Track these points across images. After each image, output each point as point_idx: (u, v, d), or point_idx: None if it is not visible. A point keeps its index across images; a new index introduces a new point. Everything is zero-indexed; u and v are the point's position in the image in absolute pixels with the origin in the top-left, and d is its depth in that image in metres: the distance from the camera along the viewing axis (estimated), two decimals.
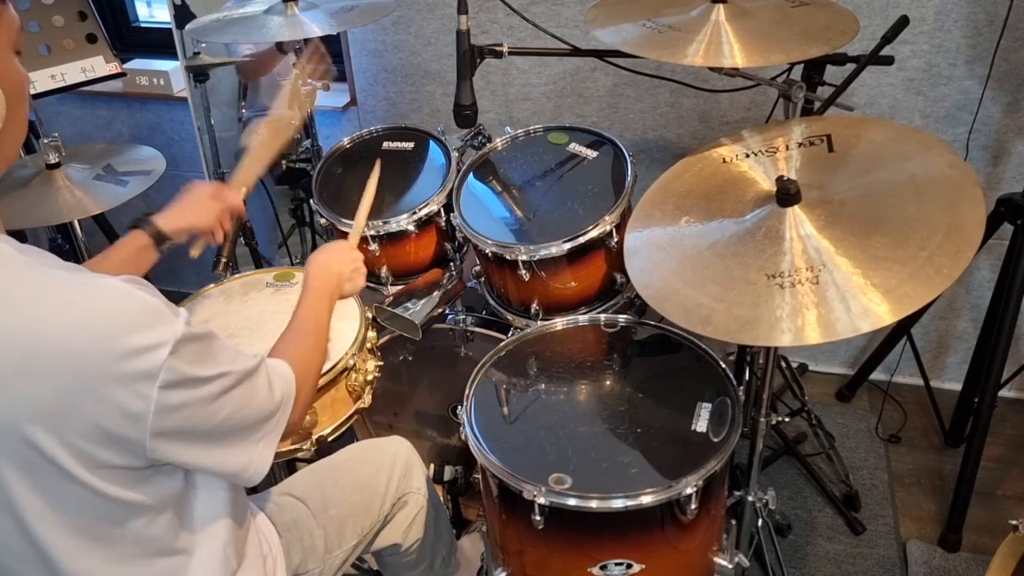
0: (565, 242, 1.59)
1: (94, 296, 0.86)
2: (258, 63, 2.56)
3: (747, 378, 1.88)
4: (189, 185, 1.49)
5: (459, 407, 1.43)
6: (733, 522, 1.58)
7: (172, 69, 2.63)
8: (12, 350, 0.82)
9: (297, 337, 1.22)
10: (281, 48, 2.44)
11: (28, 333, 0.82)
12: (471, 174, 1.84)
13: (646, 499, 1.21)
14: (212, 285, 1.77)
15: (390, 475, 1.47)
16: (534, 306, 1.70)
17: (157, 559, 1.00)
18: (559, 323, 1.60)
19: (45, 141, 1.96)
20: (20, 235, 2.58)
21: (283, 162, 2.51)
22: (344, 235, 1.85)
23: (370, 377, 1.62)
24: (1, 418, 0.83)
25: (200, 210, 1.48)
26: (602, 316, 1.61)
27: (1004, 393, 2.23)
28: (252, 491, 1.30)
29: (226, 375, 0.95)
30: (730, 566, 1.42)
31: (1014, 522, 1.39)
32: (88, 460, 0.87)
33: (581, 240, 1.59)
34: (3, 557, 0.94)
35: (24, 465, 0.86)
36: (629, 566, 1.27)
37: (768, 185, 1.34)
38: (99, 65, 2.22)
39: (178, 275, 3.10)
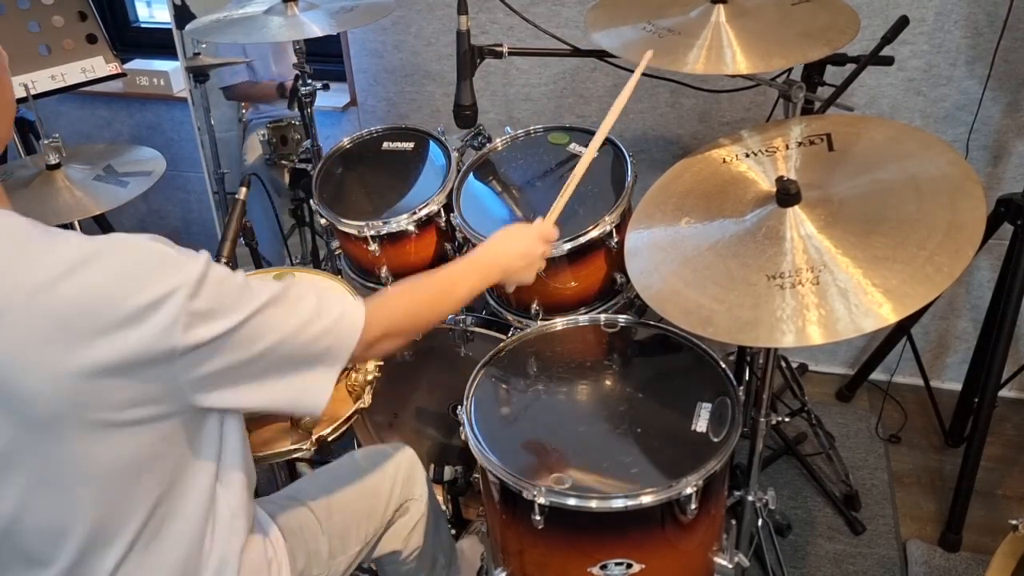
0: (565, 242, 1.59)
1: (110, 250, 0.88)
2: (251, 93, 2.57)
3: (747, 378, 1.88)
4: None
5: (459, 407, 1.43)
6: (733, 522, 1.58)
7: (172, 69, 2.63)
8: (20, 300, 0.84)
9: (413, 284, 1.20)
10: (283, 91, 2.48)
11: (42, 285, 0.84)
12: (471, 174, 1.84)
13: (646, 499, 1.21)
14: None
15: (393, 481, 1.47)
16: (534, 306, 1.70)
17: (172, 553, 1.02)
18: (559, 323, 1.60)
19: (45, 142, 1.96)
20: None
21: (286, 169, 2.52)
22: (345, 235, 1.86)
23: (370, 377, 1.62)
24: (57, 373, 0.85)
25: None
26: (602, 316, 1.61)
27: (1004, 393, 2.23)
28: (257, 495, 1.30)
29: (256, 303, 0.95)
30: (730, 566, 1.42)
31: (1014, 522, 1.39)
32: (110, 403, 0.89)
33: (581, 240, 1.59)
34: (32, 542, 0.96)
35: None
36: (629, 566, 1.27)
37: (768, 185, 1.34)
38: (99, 65, 2.22)
39: None
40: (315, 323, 1.01)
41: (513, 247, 1.35)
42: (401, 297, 1.17)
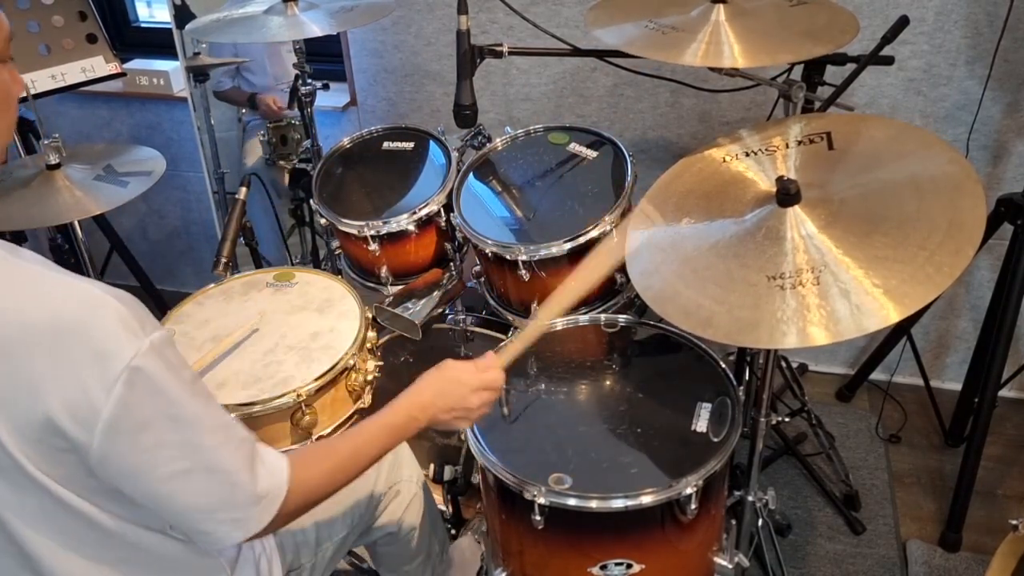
0: (565, 242, 1.59)
1: (66, 293, 0.85)
2: (232, 97, 2.59)
3: (747, 378, 1.88)
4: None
5: None
6: (733, 522, 1.58)
7: (172, 69, 2.63)
8: None
9: (341, 454, 1.08)
10: (253, 103, 2.55)
11: None
12: (471, 174, 1.84)
13: (646, 499, 1.21)
14: (212, 285, 1.77)
15: (379, 465, 1.46)
16: (534, 306, 1.70)
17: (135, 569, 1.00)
18: (559, 323, 1.60)
19: (46, 142, 1.96)
20: (20, 235, 2.59)
21: (286, 170, 2.53)
22: (345, 235, 1.86)
23: (370, 377, 1.62)
24: None
25: None
26: (602, 316, 1.61)
27: (1004, 393, 2.23)
28: None
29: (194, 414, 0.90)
30: (730, 566, 1.42)
31: (1014, 522, 1.39)
32: (39, 458, 0.86)
33: (581, 240, 1.59)
34: None
35: None
36: (629, 566, 1.27)
37: (768, 185, 1.34)
38: (99, 65, 2.22)
39: (178, 275, 3.11)
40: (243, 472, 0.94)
41: (442, 401, 1.18)
42: (318, 465, 1.05)
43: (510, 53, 1.69)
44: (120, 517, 0.95)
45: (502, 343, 1.29)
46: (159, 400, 0.86)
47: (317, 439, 1.53)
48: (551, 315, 1.34)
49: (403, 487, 1.51)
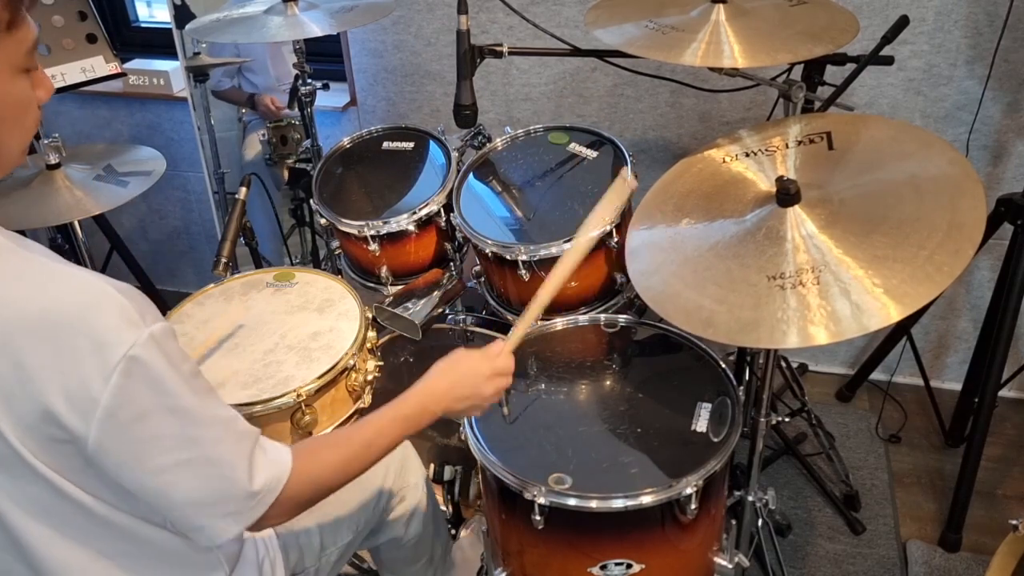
0: (565, 242, 1.59)
1: (68, 283, 0.85)
2: (231, 97, 2.59)
3: (747, 378, 1.88)
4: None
5: None
6: (733, 522, 1.58)
7: (172, 69, 2.63)
8: None
9: (352, 444, 1.08)
10: (252, 103, 2.56)
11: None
12: (471, 174, 1.84)
13: (646, 499, 1.21)
14: (212, 285, 1.77)
15: (386, 470, 1.47)
16: None
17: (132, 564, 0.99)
18: (559, 323, 1.60)
19: (46, 142, 1.96)
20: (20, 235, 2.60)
21: (285, 169, 2.53)
22: (345, 235, 1.86)
23: (370, 377, 1.63)
24: None
25: None
26: (602, 316, 1.61)
27: (1004, 393, 2.23)
28: None
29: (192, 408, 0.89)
30: (730, 566, 1.42)
31: (1014, 522, 1.39)
32: (38, 448, 0.85)
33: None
34: None
35: None
36: (629, 566, 1.27)
37: (768, 185, 1.34)
38: (99, 65, 2.22)
39: (178, 275, 3.11)
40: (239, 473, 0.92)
41: (457, 391, 1.18)
42: (328, 454, 1.05)
43: (510, 53, 1.69)
44: (119, 509, 0.94)
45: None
46: (157, 391, 0.86)
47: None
48: (559, 280, 1.31)
49: (408, 493, 1.51)
